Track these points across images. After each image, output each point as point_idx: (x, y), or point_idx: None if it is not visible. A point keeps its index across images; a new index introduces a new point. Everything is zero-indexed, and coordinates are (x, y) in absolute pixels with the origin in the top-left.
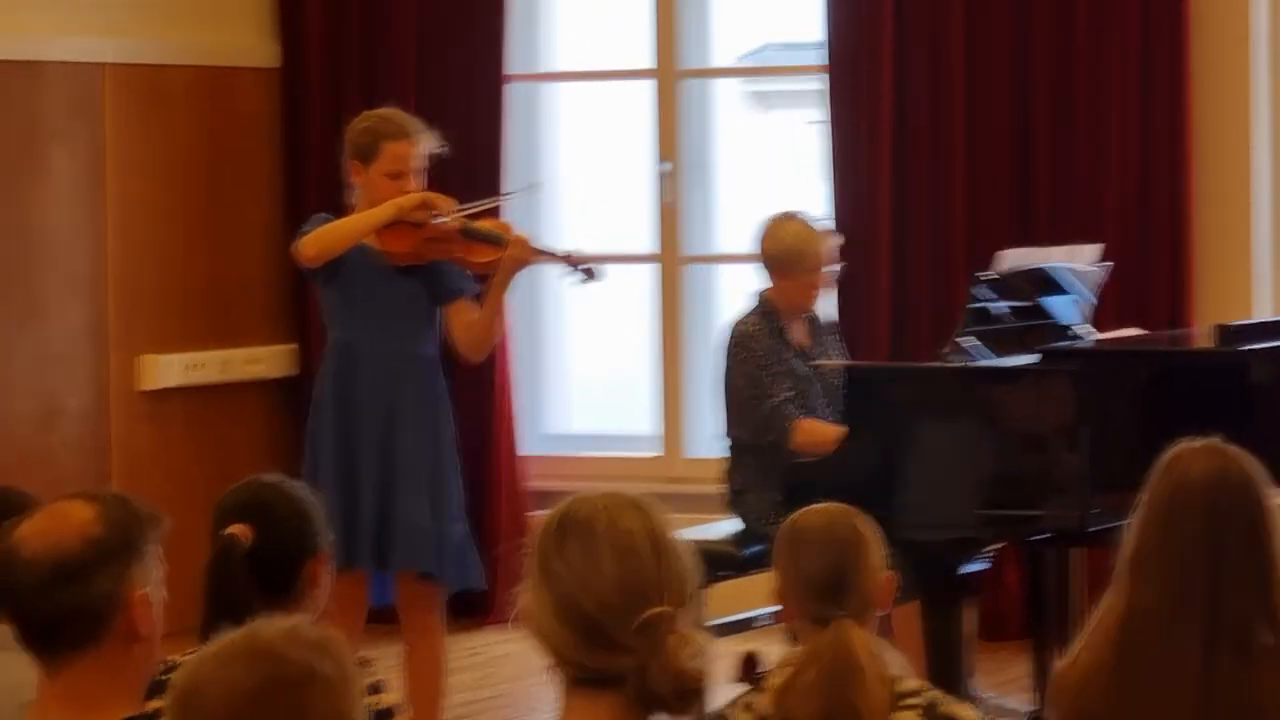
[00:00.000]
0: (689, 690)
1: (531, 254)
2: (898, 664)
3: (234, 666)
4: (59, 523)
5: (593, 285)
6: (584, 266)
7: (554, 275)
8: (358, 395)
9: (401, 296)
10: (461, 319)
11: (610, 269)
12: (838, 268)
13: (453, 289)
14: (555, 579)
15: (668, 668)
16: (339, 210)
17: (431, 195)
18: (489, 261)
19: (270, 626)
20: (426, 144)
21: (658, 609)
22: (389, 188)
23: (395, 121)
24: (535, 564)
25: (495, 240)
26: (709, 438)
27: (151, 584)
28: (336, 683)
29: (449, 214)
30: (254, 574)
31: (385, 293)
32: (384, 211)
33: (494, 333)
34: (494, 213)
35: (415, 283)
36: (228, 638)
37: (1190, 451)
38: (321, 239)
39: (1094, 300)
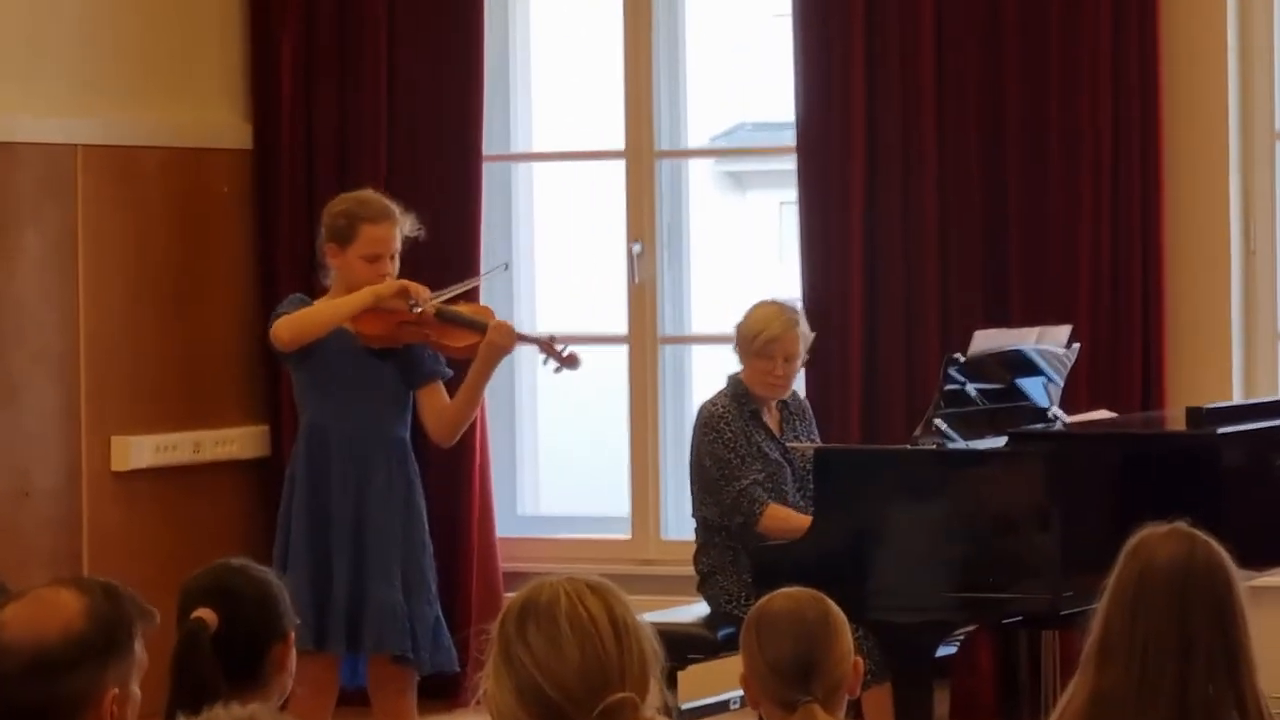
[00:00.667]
0: None
1: (513, 341)
2: None
3: None
4: (45, 611)
5: (571, 373)
6: (564, 354)
7: (534, 360)
8: (330, 477)
9: (374, 379)
10: (433, 403)
11: (584, 349)
12: (800, 359)
13: (426, 372)
14: (517, 664)
15: None
16: (313, 291)
17: (409, 284)
18: (466, 346)
19: (227, 714)
20: (404, 227)
21: (620, 694)
22: (366, 271)
23: (373, 204)
24: (497, 649)
25: (473, 325)
26: (682, 519)
27: (127, 682)
28: None
29: (428, 299)
30: (220, 659)
31: (358, 375)
32: (361, 298)
33: (466, 418)
34: (472, 295)
35: (389, 365)
36: None
37: (1156, 536)
38: (296, 324)
39: (1060, 383)
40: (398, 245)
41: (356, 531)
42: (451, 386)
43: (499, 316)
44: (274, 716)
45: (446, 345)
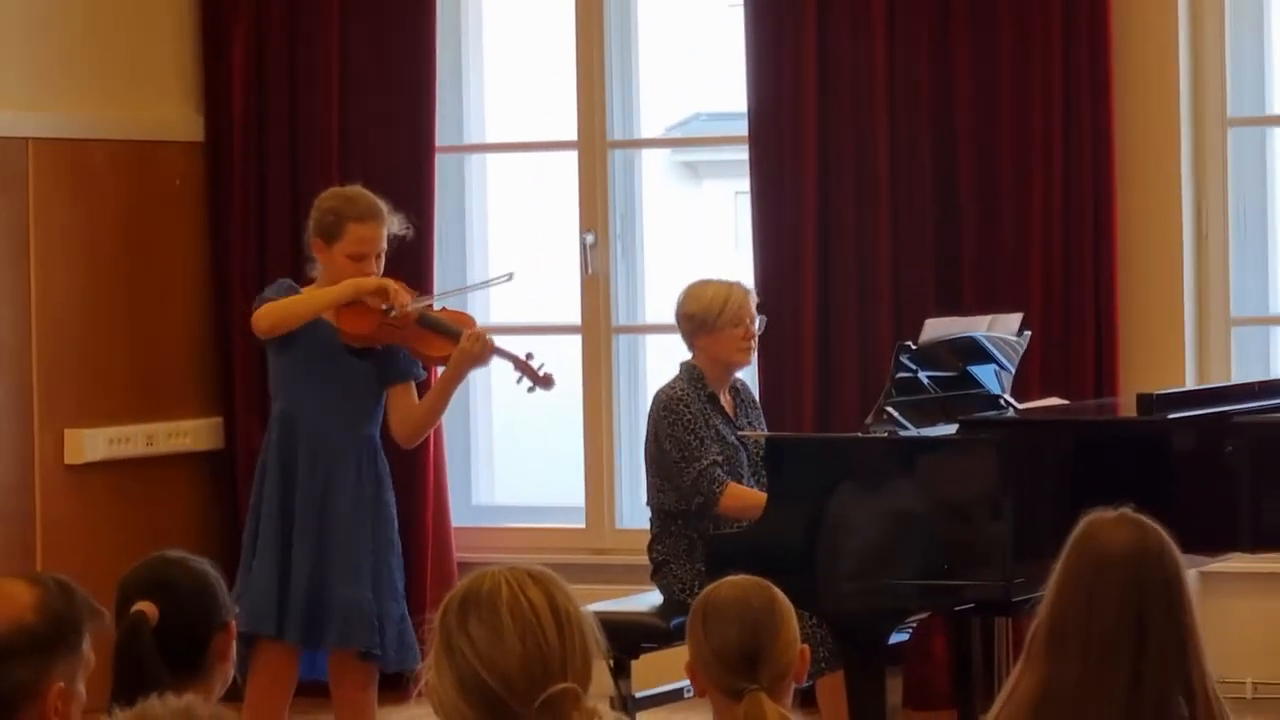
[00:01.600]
0: None
1: (488, 354)
2: None
3: None
4: None
5: (544, 393)
6: (540, 374)
7: (508, 376)
8: (296, 467)
9: (351, 376)
10: (402, 403)
11: (537, 340)
12: (763, 321)
13: (401, 371)
14: (458, 655)
15: None
16: (262, 281)
17: (392, 283)
18: (443, 356)
19: (162, 705)
20: (391, 226)
21: (561, 685)
22: (350, 268)
23: (361, 203)
24: (439, 640)
25: (452, 334)
26: (636, 509)
27: (73, 678)
28: None
29: (405, 305)
30: (161, 651)
31: (335, 371)
32: (341, 291)
33: (431, 422)
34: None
35: (366, 364)
36: (119, 718)
37: (1106, 523)
38: (277, 312)
39: (1012, 371)
40: (384, 244)
41: (320, 524)
42: (423, 390)
43: (448, 305)
44: (210, 707)
45: (423, 352)
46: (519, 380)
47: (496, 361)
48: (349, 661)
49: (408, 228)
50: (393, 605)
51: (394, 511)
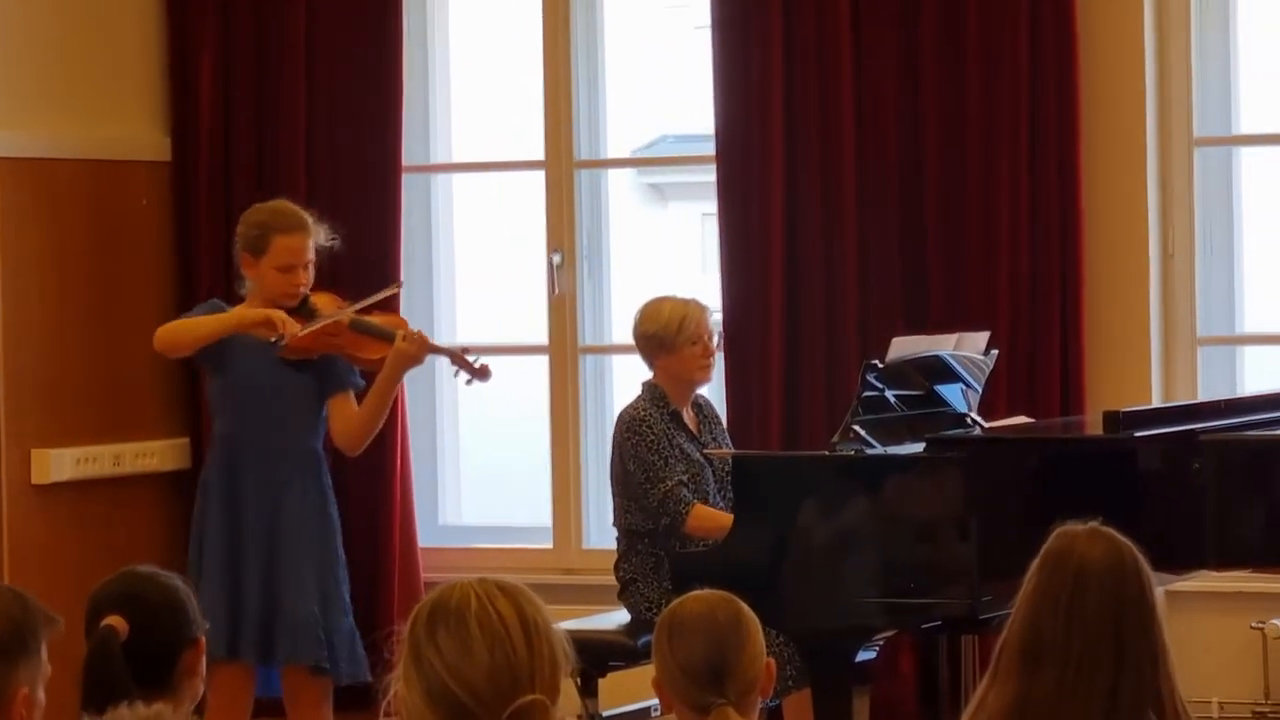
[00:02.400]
0: None
1: (423, 351)
2: None
3: None
4: None
5: (482, 385)
6: (476, 365)
7: (446, 371)
8: (244, 486)
9: (289, 389)
10: (342, 412)
11: (504, 360)
12: (719, 337)
13: (340, 382)
14: (426, 666)
15: None
16: (231, 300)
17: (274, 314)
18: (379, 359)
19: (131, 714)
20: (318, 237)
21: (529, 697)
22: (279, 281)
23: (286, 215)
24: (407, 651)
25: (386, 336)
26: (603, 529)
27: (35, 685)
28: None
29: (296, 332)
30: (130, 665)
31: (273, 385)
32: (227, 320)
33: (374, 427)
34: (391, 304)
35: (304, 376)
36: None
37: (1082, 537)
38: (168, 335)
39: (979, 390)
40: (311, 255)
41: (270, 541)
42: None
43: (418, 326)
44: (179, 717)
45: (359, 356)
46: (456, 374)
47: (432, 358)
48: (301, 677)
49: (334, 238)
50: (341, 619)
51: (338, 524)
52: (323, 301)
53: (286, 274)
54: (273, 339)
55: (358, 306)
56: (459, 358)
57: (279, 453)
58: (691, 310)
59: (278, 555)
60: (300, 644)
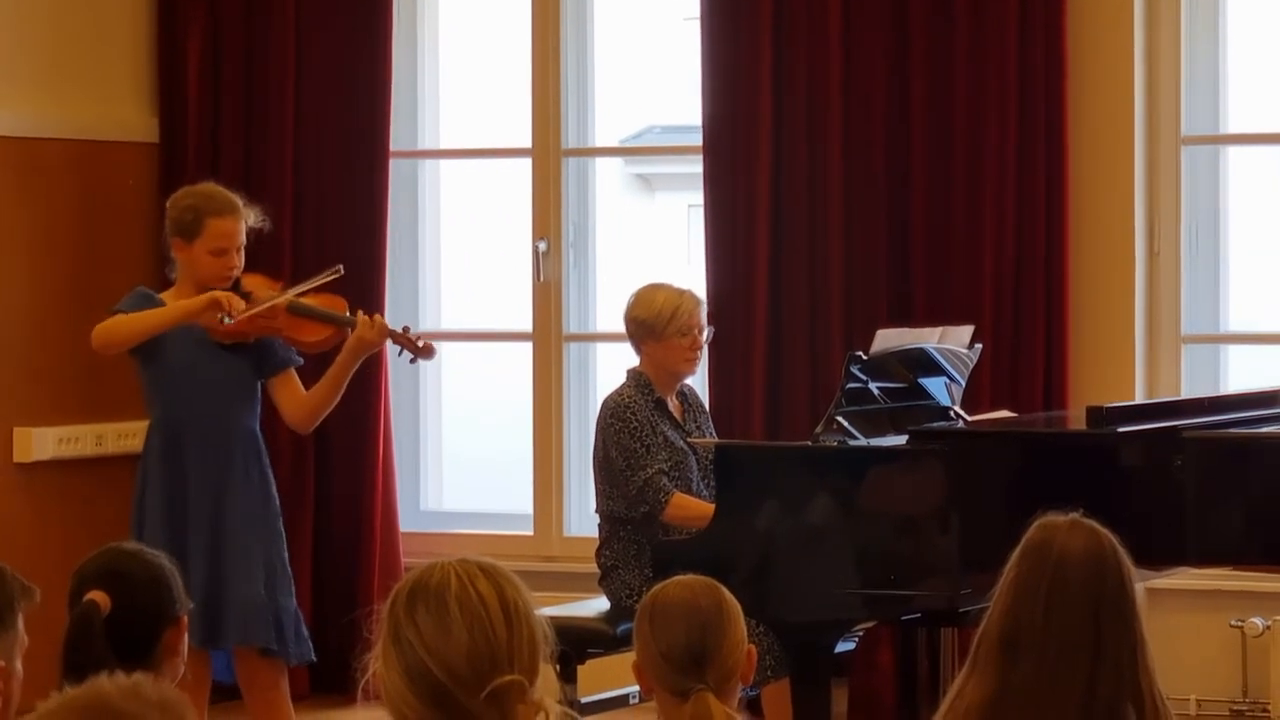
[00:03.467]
0: None
1: (384, 336)
2: None
3: None
4: None
5: (425, 363)
6: (419, 344)
7: (439, 356)
8: (186, 471)
9: (225, 371)
10: (289, 392)
11: (488, 347)
12: (710, 331)
13: (279, 361)
14: (405, 646)
15: None
16: (160, 287)
17: (220, 295)
18: (317, 341)
19: (111, 683)
20: (249, 219)
21: (508, 677)
22: (212, 264)
23: (218, 198)
24: (387, 630)
25: (326, 318)
26: (585, 516)
27: (12, 657)
28: None
29: (240, 310)
30: (111, 642)
31: (210, 369)
32: (170, 314)
33: (326, 409)
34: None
35: (240, 359)
36: (68, 693)
37: (1063, 528)
38: (105, 334)
39: (963, 383)
40: (243, 238)
41: (214, 525)
42: (303, 375)
43: (404, 313)
44: (157, 687)
45: (298, 339)
46: (400, 353)
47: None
48: (254, 661)
49: (264, 219)
50: (287, 600)
51: (278, 504)
52: (254, 284)
53: (219, 257)
54: (219, 317)
55: (297, 290)
56: (402, 338)
57: (220, 435)
58: (685, 302)
59: (222, 538)
60: (250, 626)
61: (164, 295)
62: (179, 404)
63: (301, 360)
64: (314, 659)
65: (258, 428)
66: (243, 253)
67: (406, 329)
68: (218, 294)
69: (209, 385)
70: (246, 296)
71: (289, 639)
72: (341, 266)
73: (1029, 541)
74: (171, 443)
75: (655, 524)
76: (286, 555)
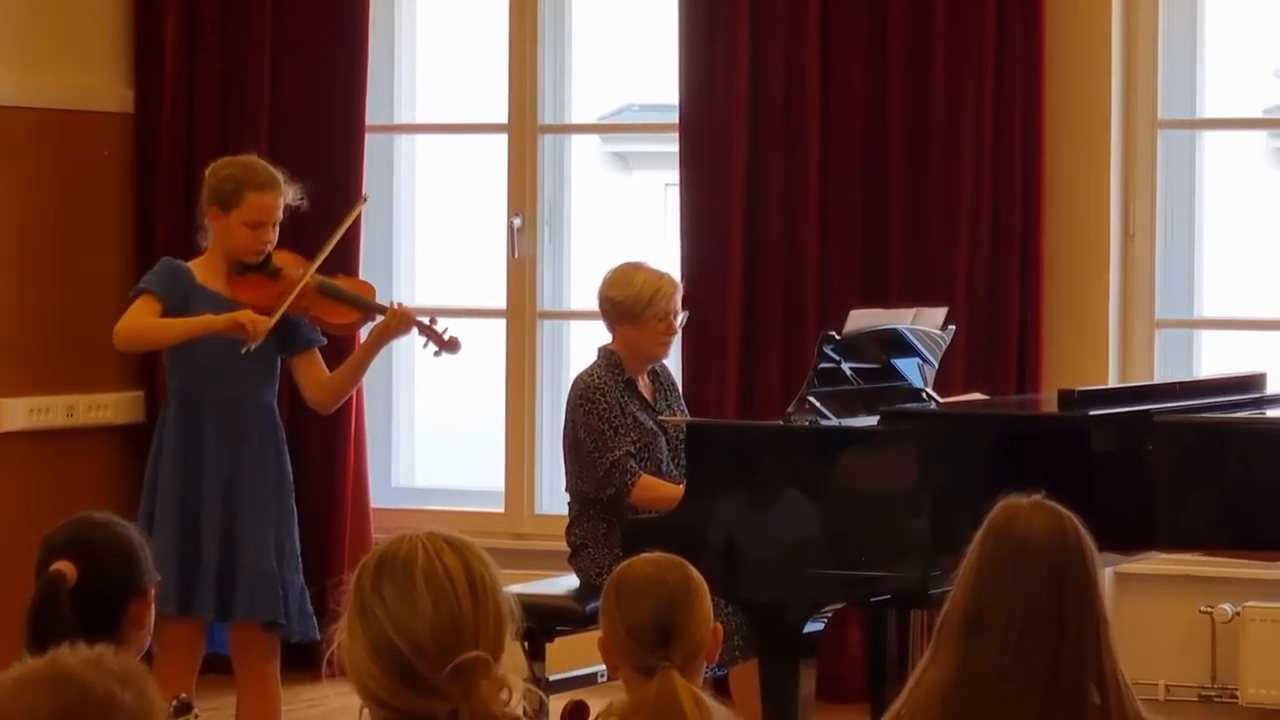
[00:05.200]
0: None
1: (408, 326)
2: (723, 715)
3: (34, 692)
4: None
5: (451, 356)
6: (446, 338)
7: (405, 336)
8: (203, 442)
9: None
10: (313, 372)
11: (461, 323)
12: (685, 316)
13: (303, 340)
14: (371, 618)
15: (480, 712)
16: (190, 255)
17: (246, 318)
18: (344, 324)
19: (73, 654)
20: (287, 196)
21: (472, 653)
22: (247, 236)
23: (260, 171)
24: (353, 602)
25: (354, 302)
26: (556, 494)
27: None
28: (137, 712)
29: (259, 335)
30: (78, 612)
31: (232, 342)
32: (195, 326)
33: (349, 392)
34: (351, 266)
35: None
36: (30, 664)
37: (1026, 510)
38: (133, 337)
39: (935, 364)
40: (280, 214)
41: (228, 497)
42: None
43: (378, 287)
44: (121, 659)
45: (325, 320)
46: (425, 345)
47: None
48: (253, 633)
49: (302, 198)
50: (294, 575)
51: (292, 480)
52: (284, 260)
53: (255, 230)
54: (242, 339)
55: (324, 254)
56: (427, 329)
57: (237, 409)
58: (664, 286)
59: (236, 511)
60: (259, 600)
61: (192, 264)
62: (199, 375)
63: (325, 341)
64: (318, 637)
65: (275, 402)
66: (277, 229)
67: (434, 320)
68: (244, 315)
69: (229, 358)
70: (276, 273)
71: (293, 615)
72: (367, 193)
73: (992, 522)
74: (189, 413)
75: (623, 505)
76: (296, 532)
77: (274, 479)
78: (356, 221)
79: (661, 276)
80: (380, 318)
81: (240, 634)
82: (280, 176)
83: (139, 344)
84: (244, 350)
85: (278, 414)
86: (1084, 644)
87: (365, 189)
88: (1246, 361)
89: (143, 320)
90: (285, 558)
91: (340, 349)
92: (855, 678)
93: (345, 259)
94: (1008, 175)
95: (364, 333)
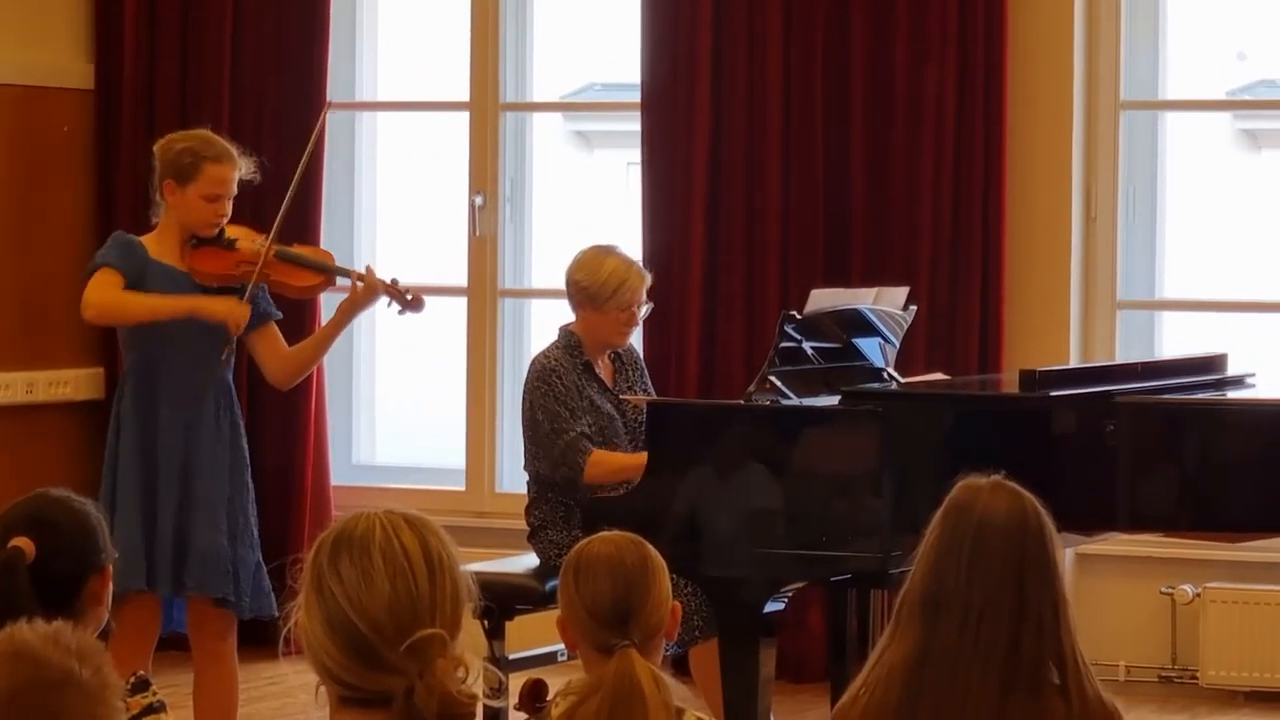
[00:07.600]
0: (456, 714)
1: (379, 294)
2: (682, 695)
3: None
4: None
5: (415, 315)
6: (409, 297)
7: (373, 308)
8: (158, 417)
9: (204, 321)
10: (272, 346)
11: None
12: (648, 308)
13: (259, 315)
14: (328, 596)
15: (436, 690)
16: (143, 229)
17: (227, 315)
18: (307, 286)
19: (30, 630)
20: (242, 169)
21: (428, 630)
22: (204, 210)
23: (216, 145)
24: (309, 579)
25: (314, 266)
26: (516, 473)
27: None
28: (94, 688)
29: (244, 326)
30: (36, 588)
31: (191, 320)
32: (179, 306)
33: (312, 365)
34: (311, 236)
35: None
36: None
37: (985, 490)
38: (108, 311)
39: (897, 344)
40: (235, 187)
41: (184, 473)
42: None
43: (339, 262)
44: (79, 636)
45: (288, 284)
46: (389, 304)
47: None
48: (206, 610)
49: (255, 172)
50: (249, 552)
51: (248, 456)
52: (239, 233)
53: (212, 203)
54: (227, 334)
55: (281, 215)
56: (391, 289)
57: (194, 384)
58: (632, 278)
59: (191, 487)
60: (208, 576)
61: (145, 239)
62: (155, 348)
63: (281, 315)
64: (275, 614)
65: (230, 378)
66: (231, 203)
67: (395, 281)
68: (225, 316)
69: (187, 332)
70: (231, 244)
71: (245, 591)
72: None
73: (951, 502)
74: (146, 388)
75: (578, 489)
76: (253, 509)
77: (229, 456)
78: (321, 137)
79: (630, 267)
80: (342, 280)
81: (195, 611)
82: (235, 150)
83: (115, 317)
84: (224, 353)
85: (234, 390)
86: (1043, 624)
87: (325, 163)
88: (1207, 343)
89: (118, 294)
90: (239, 534)
91: (300, 321)
92: (816, 657)
93: (306, 235)
94: (969, 156)
95: (327, 308)
